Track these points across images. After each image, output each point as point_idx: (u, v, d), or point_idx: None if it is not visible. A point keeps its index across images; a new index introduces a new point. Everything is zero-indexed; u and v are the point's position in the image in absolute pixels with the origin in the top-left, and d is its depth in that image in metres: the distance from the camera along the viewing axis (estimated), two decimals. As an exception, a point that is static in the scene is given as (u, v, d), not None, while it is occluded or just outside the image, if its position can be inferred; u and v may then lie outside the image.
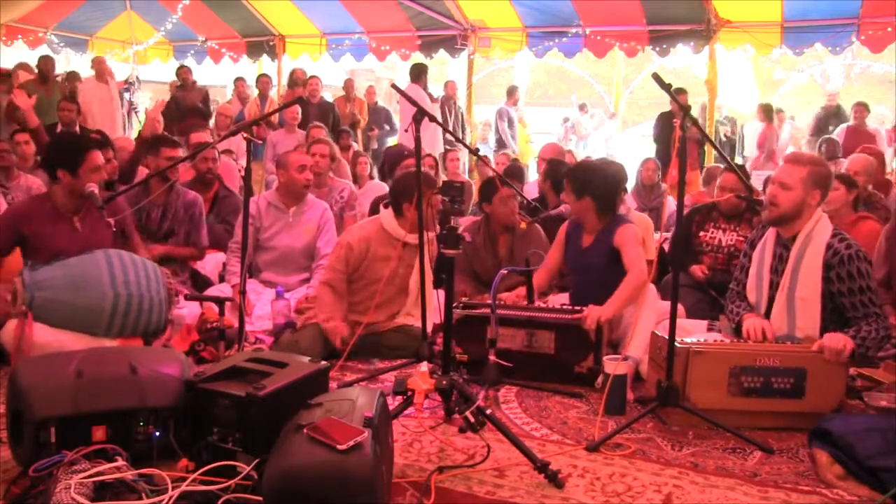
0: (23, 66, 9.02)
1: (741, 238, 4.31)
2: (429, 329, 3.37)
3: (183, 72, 9.99)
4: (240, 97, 9.87)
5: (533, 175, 8.22)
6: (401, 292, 3.74)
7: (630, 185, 6.80)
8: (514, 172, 6.40)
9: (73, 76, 9.94)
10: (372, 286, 3.64)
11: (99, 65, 9.11)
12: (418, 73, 8.68)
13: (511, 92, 11.10)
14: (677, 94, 3.05)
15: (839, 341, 2.78)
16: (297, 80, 9.64)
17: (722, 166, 6.19)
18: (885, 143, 9.11)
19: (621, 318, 3.42)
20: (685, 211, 4.80)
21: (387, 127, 10.48)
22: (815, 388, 2.78)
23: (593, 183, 3.60)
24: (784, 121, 10.72)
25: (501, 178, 4.25)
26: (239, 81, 10.11)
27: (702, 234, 4.48)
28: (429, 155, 6.04)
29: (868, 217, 4.35)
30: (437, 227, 2.65)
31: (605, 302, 3.33)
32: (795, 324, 3.00)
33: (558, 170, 4.79)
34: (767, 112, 9.84)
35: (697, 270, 4.35)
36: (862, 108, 9.03)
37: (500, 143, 10.71)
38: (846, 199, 4.28)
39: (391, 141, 10.28)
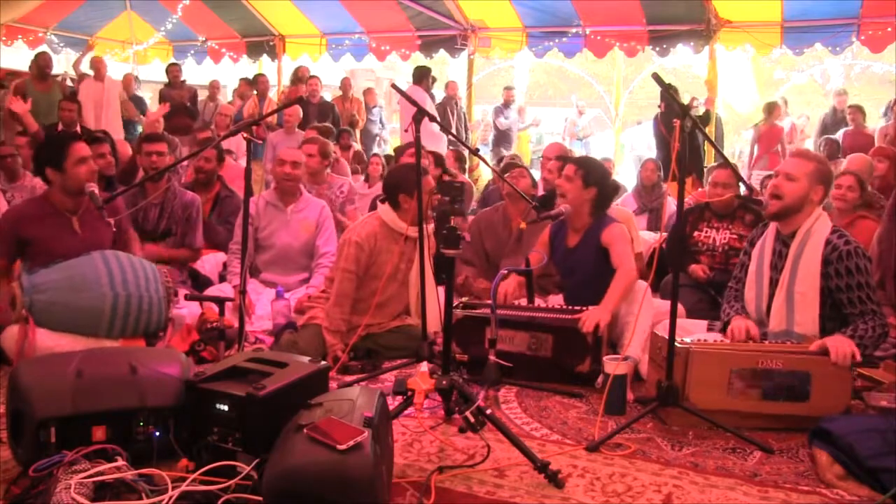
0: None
1: (734, 236, 4.33)
2: (434, 331, 3.36)
3: (173, 70, 9.95)
4: (242, 98, 9.86)
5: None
6: (402, 288, 3.72)
7: (630, 185, 6.81)
8: (512, 167, 6.41)
9: (83, 77, 9.91)
10: (373, 283, 3.60)
11: (97, 64, 9.04)
12: (421, 76, 8.66)
13: (505, 94, 11.14)
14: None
15: (847, 346, 2.76)
16: (301, 77, 9.62)
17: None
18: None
19: (618, 318, 3.42)
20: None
21: (380, 126, 10.54)
22: (820, 392, 2.76)
23: (601, 175, 3.64)
24: (787, 115, 10.70)
25: (500, 175, 4.25)
26: (241, 81, 10.11)
27: (696, 234, 4.49)
28: (430, 152, 6.04)
29: (866, 216, 4.36)
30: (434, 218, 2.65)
31: (598, 301, 3.33)
32: (794, 319, 3.01)
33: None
34: (771, 110, 9.77)
35: (698, 270, 4.35)
36: (857, 112, 9.04)
37: (498, 142, 10.72)
38: (856, 200, 4.33)
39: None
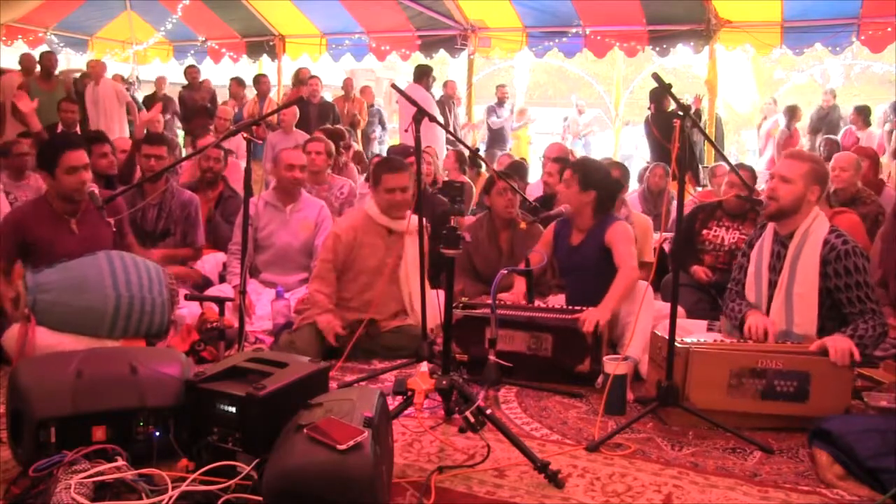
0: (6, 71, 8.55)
1: (744, 237, 4.32)
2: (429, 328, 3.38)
3: (191, 72, 10.01)
4: (235, 98, 9.86)
5: (534, 176, 8.21)
6: (392, 285, 3.73)
7: (633, 186, 6.75)
8: (517, 169, 6.41)
9: (85, 76, 9.91)
10: (361, 277, 3.68)
11: (94, 68, 8.99)
12: (421, 74, 8.65)
13: (498, 91, 11.15)
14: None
15: (846, 344, 2.76)
16: (302, 79, 9.63)
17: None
18: (884, 145, 9.12)
19: (618, 318, 3.42)
20: (690, 209, 4.82)
21: (378, 128, 10.51)
22: (819, 393, 2.76)
23: (600, 178, 3.62)
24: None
25: (500, 174, 4.25)
26: (232, 81, 10.12)
27: (705, 231, 4.49)
28: (427, 151, 6.03)
29: (845, 211, 4.37)
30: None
31: (600, 299, 3.33)
32: (793, 320, 3.01)
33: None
34: (794, 113, 9.76)
35: (700, 272, 4.35)
36: (856, 114, 9.06)
37: (492, 142, 10.70)
38: (851, 179, 4.35)
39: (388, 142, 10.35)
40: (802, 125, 10.12)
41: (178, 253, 4.25)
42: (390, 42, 10.16)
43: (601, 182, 3.61)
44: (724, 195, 4.50)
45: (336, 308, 3.66)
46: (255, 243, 4.26)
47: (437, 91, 9.98)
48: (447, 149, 8.28)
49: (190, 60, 11.34)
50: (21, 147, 5.05)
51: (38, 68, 8.53)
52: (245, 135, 3.17)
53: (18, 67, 8.60)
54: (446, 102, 9.75)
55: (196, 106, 9.28)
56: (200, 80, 10.01)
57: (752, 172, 4.96)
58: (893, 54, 8.40)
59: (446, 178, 6.17)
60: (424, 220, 3.32)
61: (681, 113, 2.76)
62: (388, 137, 11.34)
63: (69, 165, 3.35)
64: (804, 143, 9.67)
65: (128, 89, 10.17)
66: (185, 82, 10.20)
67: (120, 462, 2.12)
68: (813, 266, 2.97)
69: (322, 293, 3.65)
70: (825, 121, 9.75)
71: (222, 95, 10.51)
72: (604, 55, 9.38)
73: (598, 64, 15.59)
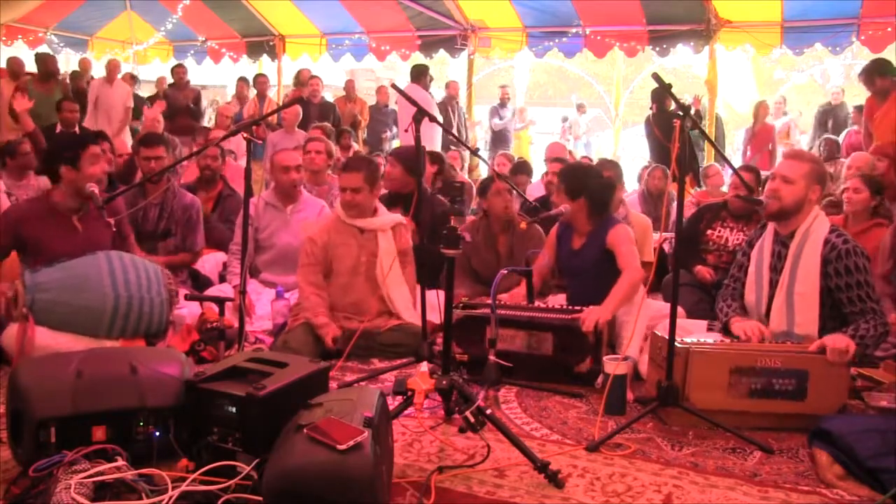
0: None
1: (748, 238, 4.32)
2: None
3: (178, 70, 9.95)
4: (239, 98, 9.85)
5: (535, 176, 8.22)
6: (370, 283, 3.75)
7: (632, 186, 6.76)
8: (523, 168, 6.42)
9: (76, 75, 9.89)
10: (339, 279, 3.72)
11: (111, 67, 8.97)
12: (419, 74, 8.66)
13: (501, 92, 11.13)
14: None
15: (842, 341, 2.78)
16: (302, 80, 9.62)
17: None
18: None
19: (615, 318, 3.42)
20: (694, 210, 4.83)
21: (395, 129, 10.46)
22: (817, 391, 2.77)
23: (587, 184, 3.62)
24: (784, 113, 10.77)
25: (502, 176, 4.25)
26: (240, 82, 10.11)
27: (709, 231, 4.50)
28: (429, 152, 6.03)
29: (882, 224, 4.30)
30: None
31: (601, 302, 3.33)
32: (794, 320, 3.01)
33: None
34: (758, 110, 9.78)
35: (704, 272, 4.35)
36: (858, 114, 9.06)
37: (494, 144, 10.69)
38: (869, 203, 4.26)
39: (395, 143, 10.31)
40: (806, 121, 10.14)
41: (176, 260, 4.23)
42: (390, 42, 10.16)
43: (588, 188, 3.61)
44: (729, 195, 4.50)
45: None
46: (256, 243, 4.26)
47: (439, 92, 9.99)
48: (450, 148, 8.29)
49: (190, 60, 11.34)
50: (25, 146, 5.07)
51: (29, 70, 8.45)
52: (245, 135, 3.17)
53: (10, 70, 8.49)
54: (449, 103, 9.74)
55: (180, 105, 9.23)
56: (186, 80, 9.96)
57: (756, 174, 4.92)
58: (893, 54, 8.40)
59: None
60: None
61: (681, 113, 2.76)
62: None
63: (93, 153, 3.45)
64: (800, 140, 9.69)
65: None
66: (203, 85, 10.17)
67: (120, 462, 2.12)
68: (814, 265, 2.97)
69: (317, 295, 3.66)
70: (831, 114, 9.74)
71: (222, 96, 10.50)
72: (604, 55, 9.39)
73: (598, 64, 15.60)
